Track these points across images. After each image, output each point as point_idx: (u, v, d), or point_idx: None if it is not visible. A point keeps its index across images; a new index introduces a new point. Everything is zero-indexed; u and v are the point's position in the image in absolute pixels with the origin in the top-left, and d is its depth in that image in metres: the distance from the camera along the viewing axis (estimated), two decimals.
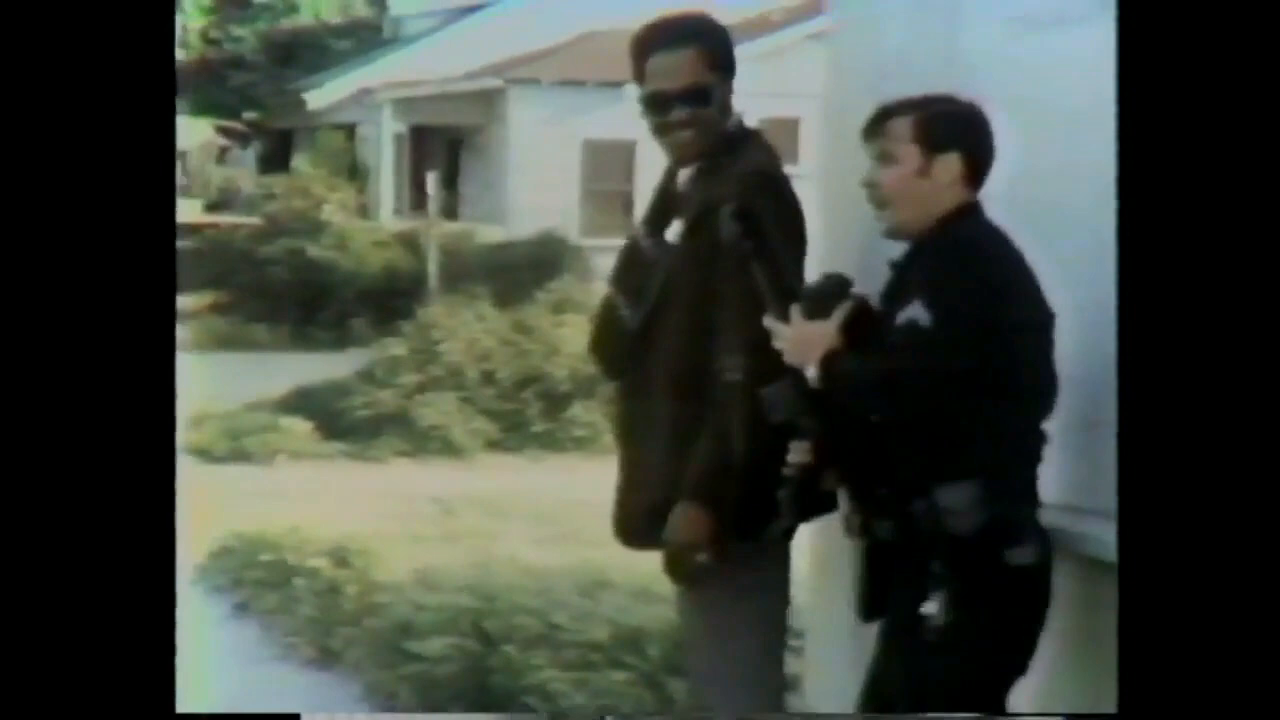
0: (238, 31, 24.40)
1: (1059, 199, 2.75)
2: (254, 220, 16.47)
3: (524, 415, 9.47)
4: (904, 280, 2.51)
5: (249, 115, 22.92)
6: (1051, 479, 2.71)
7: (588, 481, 8.20)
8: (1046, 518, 2.66)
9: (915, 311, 2.40)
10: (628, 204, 16.26)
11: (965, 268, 2.44)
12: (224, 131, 22.65)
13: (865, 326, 2.51)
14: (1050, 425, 2.69)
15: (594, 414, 9.41)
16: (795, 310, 2.55)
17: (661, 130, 2.83)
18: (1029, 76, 2.79)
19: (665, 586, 4.71)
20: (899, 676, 2.52)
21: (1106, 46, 2.64)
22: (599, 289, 12.73)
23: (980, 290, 2.41)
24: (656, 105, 2.81)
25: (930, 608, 2.41)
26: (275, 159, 21.50)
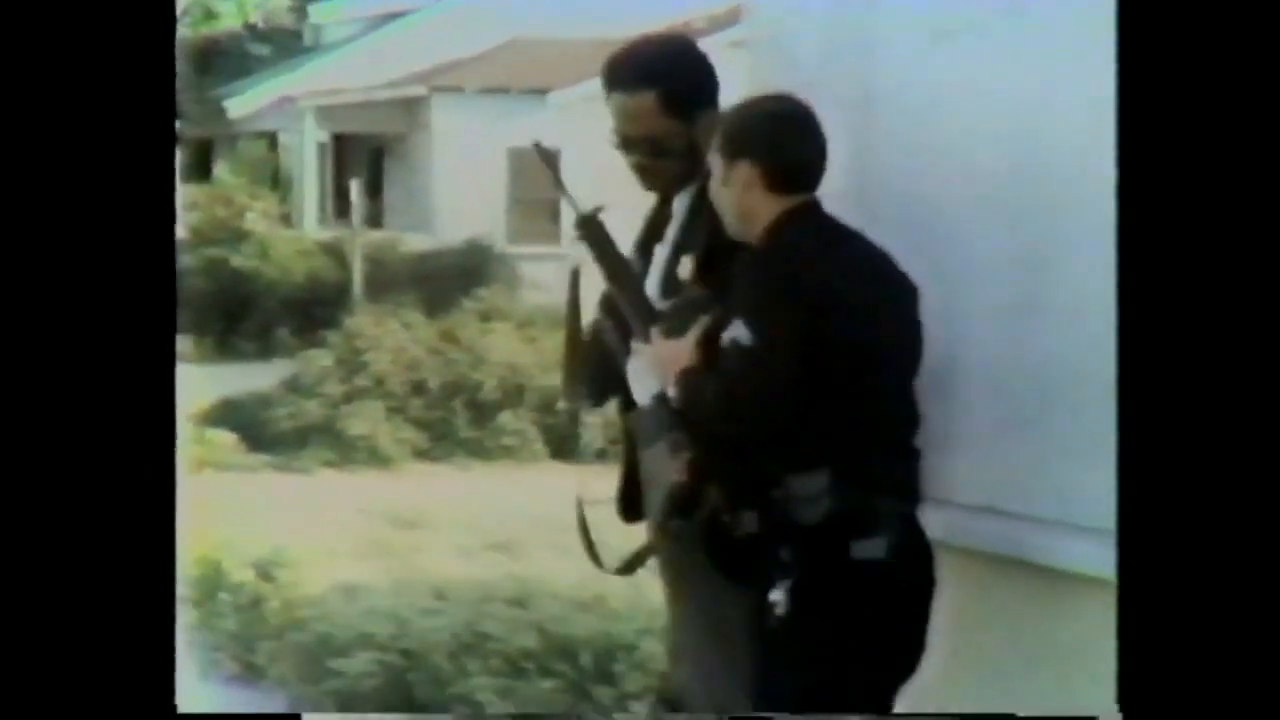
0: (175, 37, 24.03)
1: (967, 202, 2.78)
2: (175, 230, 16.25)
3: (452, 424, 9.44)
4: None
5: None
6: (975, 480, 2.74)
7: (516, 490, 8.21)
8: (971, 519, 2.69)
9: (738, 330, 2.41)
10: (554, 212, 16.22)
11: (775, 280, 2.44)
12: None
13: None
14: (979, 427, 2.72)
15: (523, 422, 9.39)
16: (655, 330, 2.58)
17: (628, 163, 2.77)
18: (942, 82, 2.82)
19: (595, 595, 4.72)
20: (748, 667, 2.51)
21: (1015, 52, 2.69)
22: (527, 297, 12.63)
23: (795, 300, 2.41)
24: (618, 143, 2.74)
25: (776, 595, 2.41)
26: (196, 168, 21.21)
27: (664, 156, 2.72)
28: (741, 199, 2.53)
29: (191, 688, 4.80)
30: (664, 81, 2.71)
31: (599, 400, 2.94)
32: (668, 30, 2.86)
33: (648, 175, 2.76)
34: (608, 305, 2.81)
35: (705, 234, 2.68)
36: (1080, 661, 2.42)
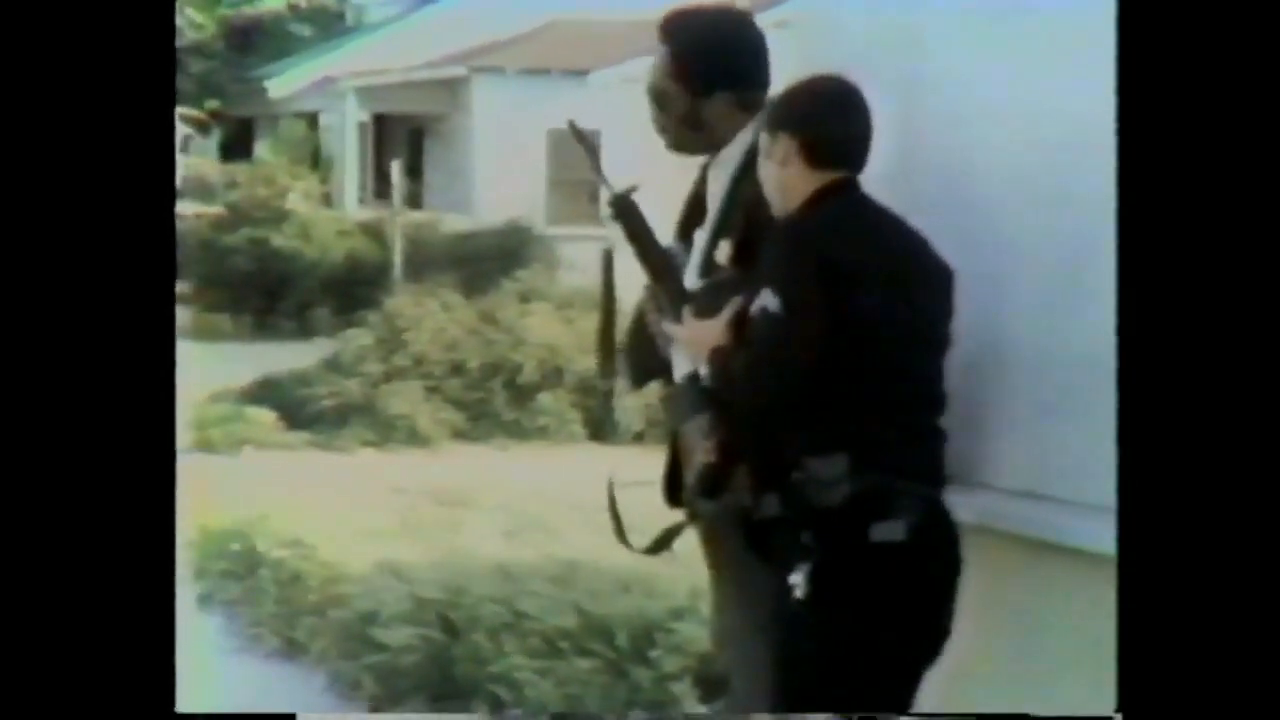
0: (199, 18, 24.20)
1: (1011, 186, 2.76)
2: (216, 209, 16.36)
3: (490, 405, 9.46)
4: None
5: (210, 103, 22.75)
6: (1014, 465, 2.73)
7: (554, 471, 8.22)
8: (1001, 503, 2.67)
9: (766, 299, 2.41)
10: (594, 193, 16.21)
11: (805, 251, 2.44)
12: (186, 120, 22.48)
13: None
14: (1020, 412, 2.71)
15: (561, 403, 9.40)
16: (687, 310, 2.58)
17: None
18: (989, 65, 2.79)
19: (634, 576, 4.73)
20: (769, 650, 2.49)
21: (1067, 32, 2.66)
22: (565, 278, 12.60)
23: (822, 269, 2.40)
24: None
25: (795, 578, 2.40)
26: (237, 147, 21.35)
27: (665, 111, 2.78)
28: (781, 172, 2.54)
29: (231, 662, 4.85)
30: (675, 43, 2.77)
31: (639, 383, 2.94)
32: (724, 3, 2.84)
33: (657, 126, 2.81)
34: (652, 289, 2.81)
35: (743, 218, 2.68)
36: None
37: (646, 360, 2.81)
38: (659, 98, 2.78)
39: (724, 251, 2.71)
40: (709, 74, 2.75)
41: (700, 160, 2.84)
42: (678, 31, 2.78)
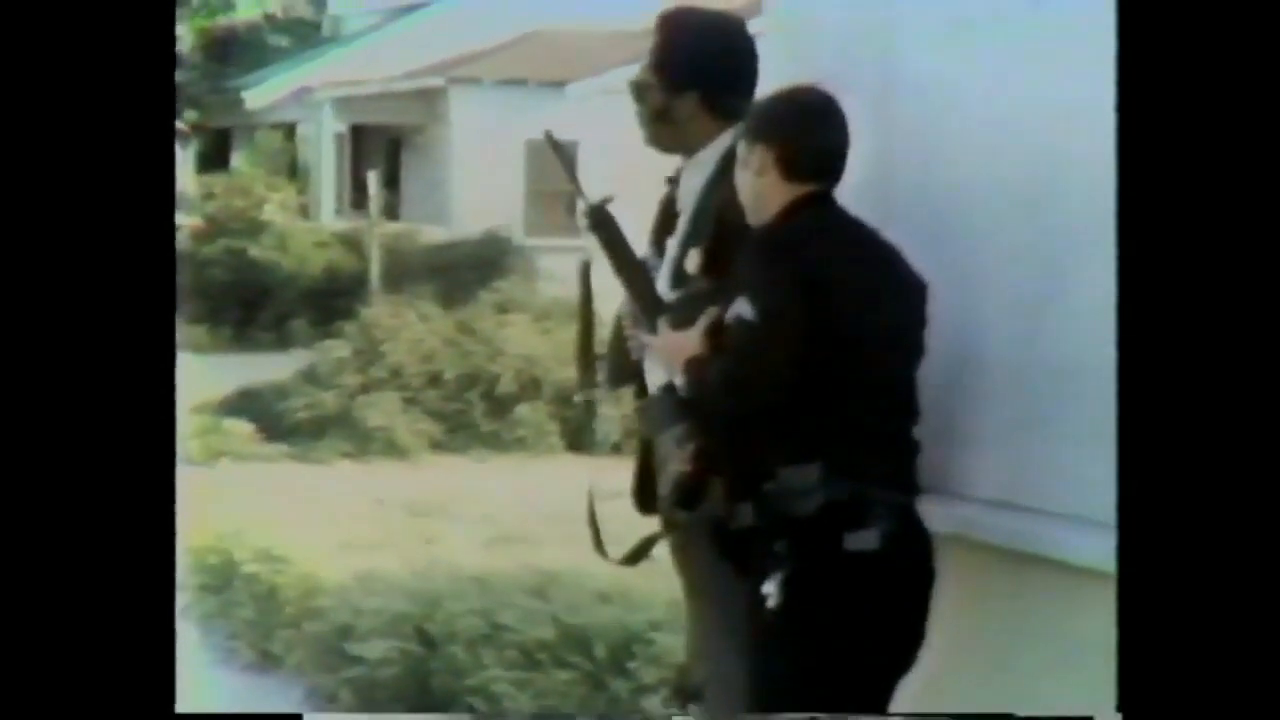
0: (176, 29, 24.11)
1: (985, 196, 2.77)
2: (194, 220, 16.30)
3: (468, 416, 9.44)
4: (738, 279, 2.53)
5: (187, 114, 22.67)
6: (991, 475, 2.74)
7: (532, 482, 8.21)
8: (981, 513, 2.69)
9: (741, 308, 2.42)
10: (572, 204, 16.11)
11: (781, 261, 2.45)
12: None
13: None
14: (996, 422, 2.72)
15: (539, 414, 9.39)
16: (663, 321, 2.59)
17: None
18: (962, 74, 2.80)
19: (613, 587, 4.72)
20: (743, 661, 2.51)
21: (1035, 44, 2.68)
22: (544, 289, 12.56)
23: (799, 282, 2.42)
24: None
25: (769, 588, 2.41)
26: (214, 158, 21.27)
27: (642, 103, 2.82)
28: (757, 183, 2.55)
29: (209, 675, 4.82)
30: (662, 36, 2.81)
31: (616, 383, 2.96)
32: (725, 10, 2.89)
33: (638, 119, 2.84)
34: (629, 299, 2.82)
35: (712, 227, 2.69)
36: (1096, 656, 2.42)
37: (624, 363, 2.83)
38: (638, 88, 2.82)
39: (694, 260, 2.72)
40: (684, 71, 2.78)
41: (675, 166, 2.86)
42: (667, 26, 2.82)
